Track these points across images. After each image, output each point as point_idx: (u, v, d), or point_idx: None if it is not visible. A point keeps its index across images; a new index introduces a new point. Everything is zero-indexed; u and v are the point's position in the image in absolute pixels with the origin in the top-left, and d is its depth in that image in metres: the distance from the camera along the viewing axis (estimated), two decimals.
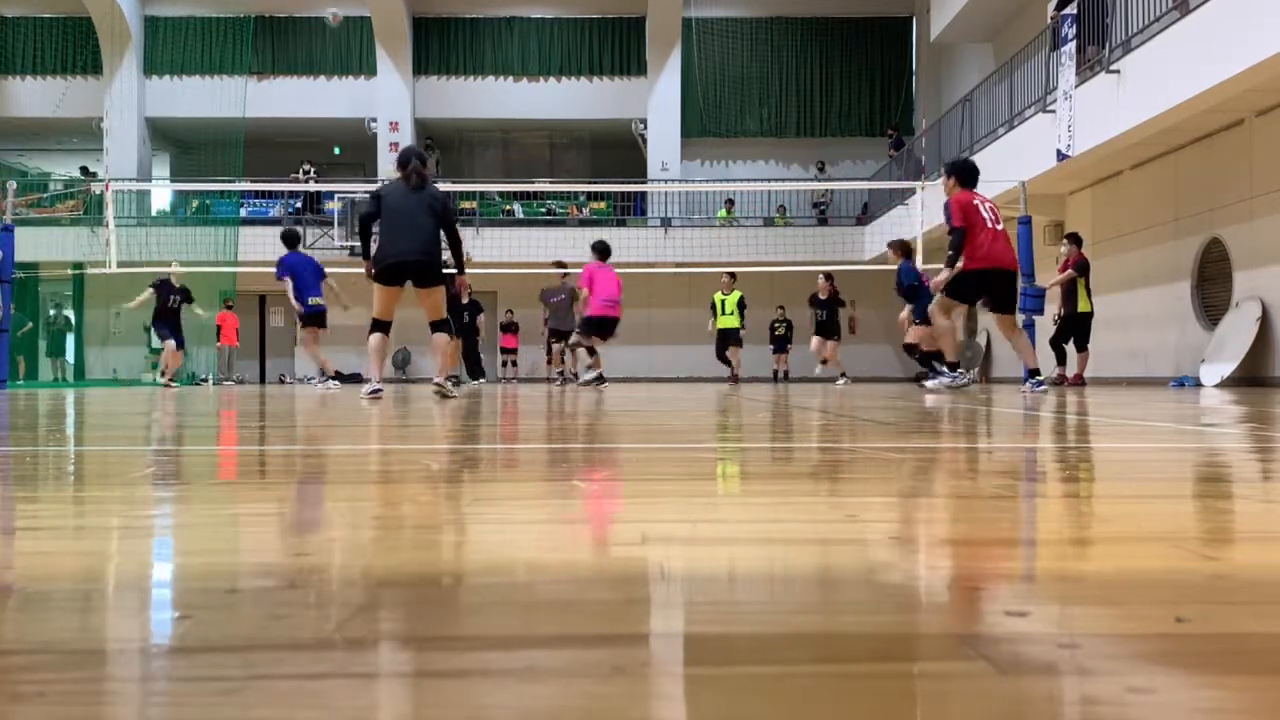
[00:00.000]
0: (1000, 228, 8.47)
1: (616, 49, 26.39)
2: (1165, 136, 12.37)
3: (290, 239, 12.99)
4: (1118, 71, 11.80)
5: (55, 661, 0.75)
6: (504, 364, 22.86)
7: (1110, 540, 1.32)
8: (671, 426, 4.14)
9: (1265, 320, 11.29)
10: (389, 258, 7.34)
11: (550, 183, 23.76)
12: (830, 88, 26.53)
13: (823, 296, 15.44)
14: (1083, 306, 12.67)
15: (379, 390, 7.46)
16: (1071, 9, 12.96)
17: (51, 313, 24.15)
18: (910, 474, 2.17)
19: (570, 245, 20.61)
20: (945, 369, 8.49)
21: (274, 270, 12.98)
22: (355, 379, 23.13)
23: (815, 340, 15.45)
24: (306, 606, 0.92)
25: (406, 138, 25.56)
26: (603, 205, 25.02)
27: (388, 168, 25.18)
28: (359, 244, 22.35)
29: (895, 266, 12.61)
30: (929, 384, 8.73)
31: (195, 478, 2.22)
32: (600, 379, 12.45)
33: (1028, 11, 18.70)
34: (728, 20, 26.29)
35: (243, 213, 24.16)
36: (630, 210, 24.84)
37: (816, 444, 3.14)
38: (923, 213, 15.52)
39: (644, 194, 24.41)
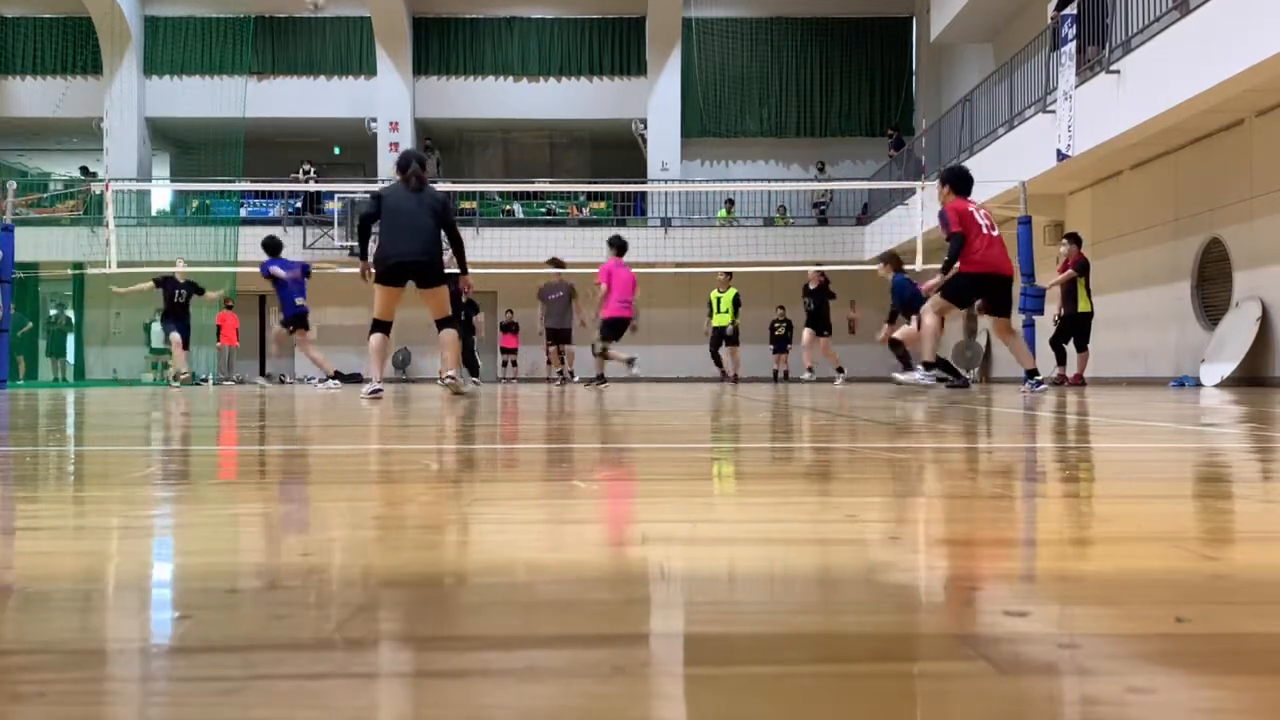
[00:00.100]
0: (996, 234, 8.52)
1: (616, 49, 26.40)
2: (1165, 136, 12.37)
3: (272, 247, 13.05)
4: (1118, 71, 11.80)
5: (55, 661, 0.75)
6: (504, 364, 22.87)
7: (1110, 540, 1.32)
8: (671, 426, 4.14)
9: (1265, 320, 11.29)
10: (391, 258, 7.37)
11: (550, 183, 23.77)
12: (830, 88, 26.53)
13: (811, 286, 15.40)
14: (1083, 306, 12.68)
15: (379, 390, 7.49)
16: (1071, 9, 12.96)
17: (52, 313, 24.16)
18: (910, 474, 2.17)
19: (570, 245, 20.62)
20: (920, 367, 8.53)
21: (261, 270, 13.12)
22: (355, 379, 23.17)
23: (807, 334, 15.41)
24: (306, 606, 0.92)
25: (406, 138, 25.57)
26: (603, 205, 25.03)
27: (388, 168, 25.18)
28: (358, 243, 22.25)
29: (888, 279, 12.49)
30: (901, 376, 8.77)
31: (195, 478, 2.22)
32: (602, 379, 12.44)
33: (1028, 11, 18.70)
34: (728, 20, 26.30)
35: (243, 213, 24.18)
36: (630, 210, 24.84)
37: (816, 444, 3.14)
38: (922, 213, 15.53)
39: (644, 194, 24.42)
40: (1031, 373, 9.05)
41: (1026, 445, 3.13)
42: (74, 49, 25.97)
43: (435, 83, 26.30)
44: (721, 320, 16.52)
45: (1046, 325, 13.38)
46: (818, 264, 16.07)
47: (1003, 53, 19.12)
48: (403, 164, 7.61)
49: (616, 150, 27.00)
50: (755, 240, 22.72)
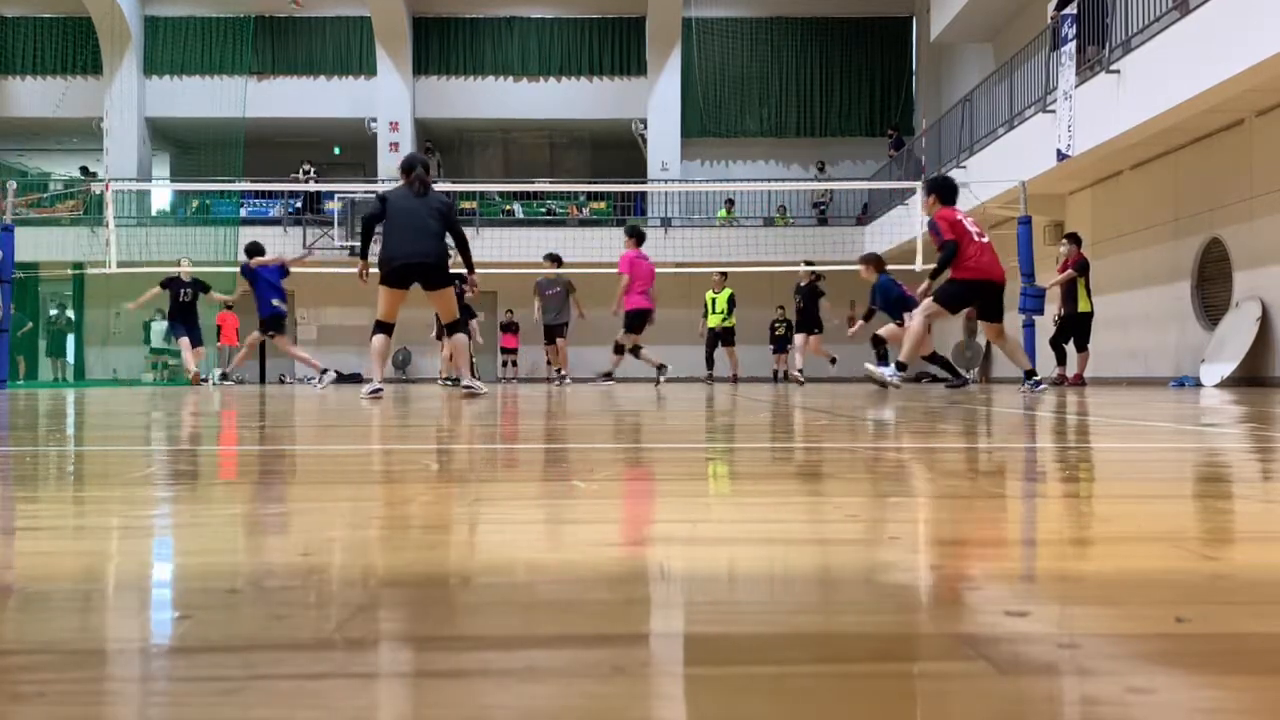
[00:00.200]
0: (986, 240, 8.59)
1: (616, 49, 26.40)
2: (1165, 136, 12.38)
3: (254, 251, 13.32)
4: (1118, 71, 11.80)
5: (55, 661, 0.75)
6: (504, 364, 22.88)
7: (1110, 540, 1.32)
8: (671, 426, 4.14)
9: (1265, 320, 11.29)
10: (396, 260, 7.40)
11: (550, 183, 23.77)
12: (830, 88, 26.53)
13: (802, 284, 15.39)
14: (1083, 306, 12.67)
15: (379, 390, 7.51)
16: (1071, 9, 12.97)
17: (53, 313, 24.16)
18: (910, 474, 2.17)
19: (570, 245, 20.60)
20: (895, 365, 8.57)
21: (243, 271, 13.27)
22: (355, 379, 23.16)
23: (798, 338, 15.41)
24: (306, 606, 0.92)
25: (406, 138, 25.57)
26: (603, 205, 25.02)
27: (388, 168, 25.19)
28: (359, 243, 22.30)
29: (872, 280, 12.42)
30: (872, 367, 8.77)
31: (195, 478, 2.22)
32: (609, 376, 12.41)
33: (1028, 11, 18.70)
34: (728, 20, 26.29)
35: (243, 213, 24.18)
36: (630, 210, 24.83)
37: (816, 444, 3.14)
38: (922, 212, 15.52)
39: (644, 194, 24.41)
40: (1030, 373, 9.06)
41: (1026, 445, 3.13)
42: (74, 49, 25.97)
43: (435, 83, 26.30)
44: (716, 320, 16.49)
45: (1046, 325, 13.38)
46: (808, 262, 16.06)
47: (1003, 53, 19.12)
48: (407, 167, 7.64)
49: (616, 150, 26.99)
50: (755, 240, 22.72)
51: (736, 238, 23.08)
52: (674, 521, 1.50)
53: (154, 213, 25.72)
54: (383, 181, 23.95)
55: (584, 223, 23.81)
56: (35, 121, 26.32)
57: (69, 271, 21.99)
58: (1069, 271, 12.60)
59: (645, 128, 25.77)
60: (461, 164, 27.34)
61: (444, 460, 2.56)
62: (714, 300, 16.58)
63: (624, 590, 1.00)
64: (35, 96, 25.95)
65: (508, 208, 24.94)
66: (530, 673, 0.72)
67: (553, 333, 15.32)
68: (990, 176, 15.00)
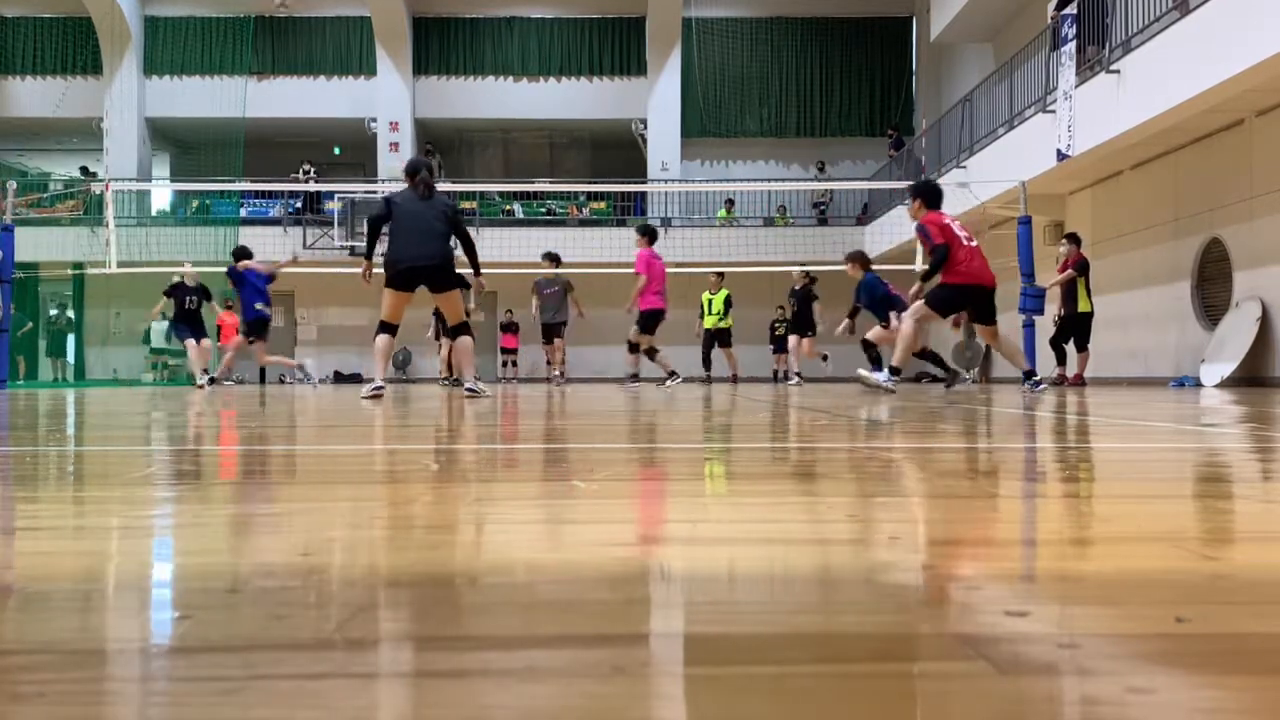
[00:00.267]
0: (975, 244, 8.60)
1: (616, 49, 26.39)
2: (1165, 136, 12.38)
3: (241, 255, 13.46)
4: (1118, 71, 11.80)
5: (55, 661, 0.75)
6: (504, 364, 22.88)
7: (1110, 540, 1.32)
8: (671, 426, 4.14)
9: (1265, 320, 11.29)
10: (402, 263, 7.44)
11: (550, 183, 23.76)
12: (830, 88, 26.53)
13: (796, 287, 15.38)
14: (1083, 306, 12.67)
15: (381, 388, 7.53)
16: (1071, 9, 12.96)
17: (53, 313, 24.15)
18: (910, 474, 2.17)
19: (570, 245, 20.60)
20: (888, 370, 8.53)
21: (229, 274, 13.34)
22: (356, 379, 23.16)
23: (792, 340, 15.41)
24: (307, 606, 0.92)
25: (406, 138, 25.57)
26: (603, 205, 25.02)
27: (388, 168, 25.18)
28: (363, 244, 22.42)
29: (857, 278, 12.39)
30: (865, 373, 8.76)
31: (195, 478, 2.22)
32: (636, 378, 12.36)
33: (1028, 11, 18.70)
34: (728, 20, 26.29)
35: (243, 213, 24.17)
36: (630, 210, 24.83)
37: (815, 444, 3.14)
38: (909, 217, 15.51)
39: (644, 194, 24.41)
40: (1029, 374, 9.05)
41: (1026, 445, 3.13)
42: (74, 49, 25.96)
43: (435, 83, 26.30)
44: (712, 321, 16.48)
45: (1046, 325, 13.38)
46: (801, 264, 16.04)
47: (1003, 53, 19.12)
48: (412, 171, 7.68)
49: (616, 150, 26.99)
50: (755, 240, 22.71)
51: (736, 238, 23.08)
52: (674, 521, 1.50)
53: (154, 213, 25.72)
54: (383, 181, 23.95)
55: (584, 223, 23.81)
56: (35, 121, 26.32)
57: (69, 271, 21.99)
58: (1069, 271, 12.60)
59: (645, 128, 25.77)
60: (461, 164, 27.33)
61: (444, 460, 2.56)
62: (710, 301, 16.56)
63: (624, 590, 1.00)
64: (35, 96, 25.95)
65: (508, 208, 24.94)
66: (530, 673, 0.72)
67: (550, 332, 15.30)
68: (990, 176, 14.99)
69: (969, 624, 0.86)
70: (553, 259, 14.85)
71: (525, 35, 26.38)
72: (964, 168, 17.15)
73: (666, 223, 23.86)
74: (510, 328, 22.65)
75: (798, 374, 15.29)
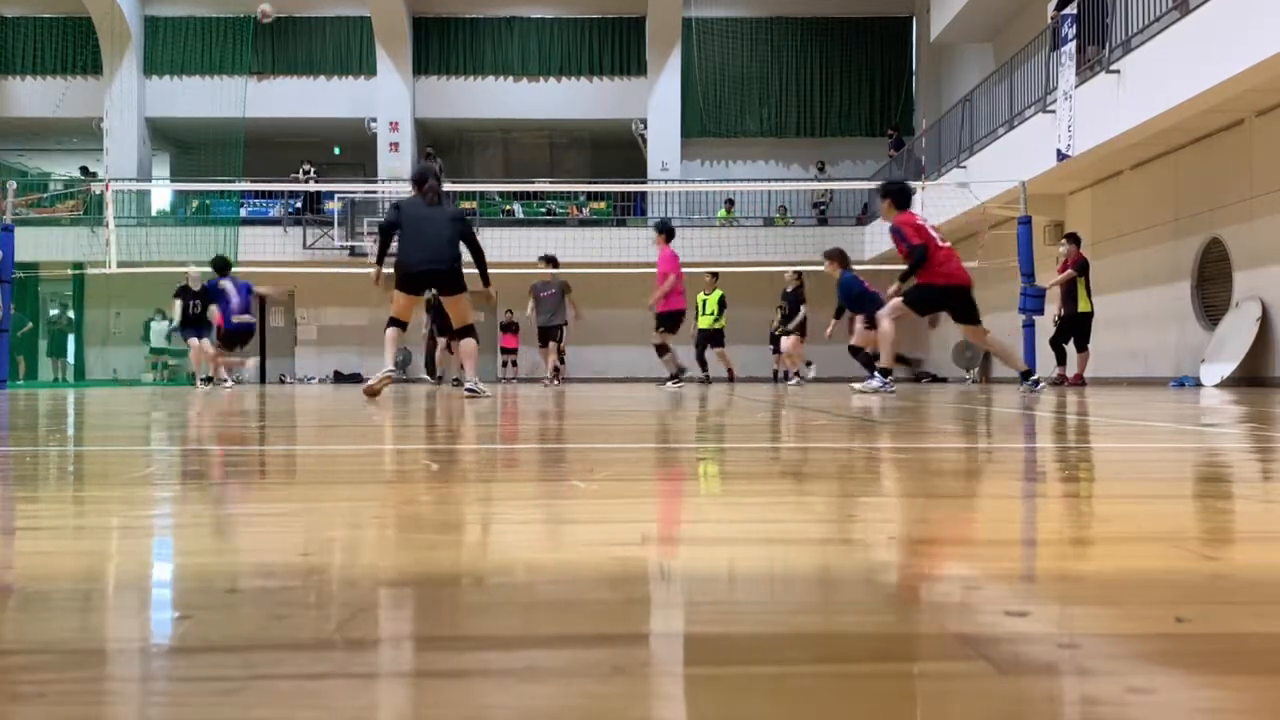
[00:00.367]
0: (948, 244, 8.57)
1: (616, 49, 26.39)
2: (1165, 136, 12.37)
3: (221, 266, 13.44)
4: (1118, 71, 11.80)
5: (55, 661, 0.75)
6: (504, 364, 22.88)
7: (1110, 540, 1.32)
8: (670, 426, 4.14)
9: (1265, 320, 11.29)
10: (413, 267, 7.61)
11: (550, 183, 23.76)
12: (830, 88, 26.53)
13: (789, 289, 15.35)
14: (1083, 306, 12.67)
15: (391, 372, 7.85)
16: (1071, 9, 12.97)
17: (54, 313, 24.15)
18: (910, 474, 2.17)
19: (570, 245, 20.60)
20: (879, 374, 8.51)
21: (215, 283, 13.40)
22: (356, 379, 23.16)
23: (786, 341, 15.39)
24: (306, 606, 0.92)
25: (406, 138, 25.57)
26: (603, 205, 25.02)
27: (388, 168, 25.18)
28: (362, 244, 22.18)
29: (835, 276, 12.38)
30: (857, 386, 8.74)
31: (195, 477, 2.22)
32: (680, 373, 12.25)
33: (1028, 11, 18.70)
34: (728, 20, 26.29)
35: (243, 213, 24.16)
36: (630, 210, 24.83)
37: (815, 444, 3.14)
38: (922, 213, 15.51)
39: (644, 194, 24.41)
40: (1026, 374, 9.01)
41: (1026, 445, 3.13)
42: (74, 49, 25.96)
43: (435, 83, 26.30)
44: (706, 322, 16.47)
45: (1046, 325, 13.38)
46: (798, 264, 16.04)
47: (1003, 53, 19.12)
48: (419, 179, 7.87)
49: (616, 150, 26.99)
50: (755, 240, 22.70)
51: (736, 238, 23.06)
52: (673, 521, 1.50)
53: (154, 213, 25.72)
54: (383, 181, 23.97)
55: (584, 223, 23.80)
56: (35, 121, 26.32)
57: (69, 271, 21.98)
58: (1069, 271, 12.60)
59: (645, 128, 25.77)
60: (461, 164, 27.33)
61: (444, 460, 2.56)
62: (704, 301, 16.56)
63: (624, 590, 1.00)
64: (35, 96, 25.95)
65: (508, 208, 24.94)
66: (530, 673, 0.72)
67: (547, 334, 15.29)
68: (990, 176, 14.99)
69: (969, 624, 0.86)
70: (549, 261, 14.84)
71: (525, 35, 26.38)
72: (964, 168, 17.16)
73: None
74: (510, 328, 22.65)
75: (796, 374, 15.27)
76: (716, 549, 1.23)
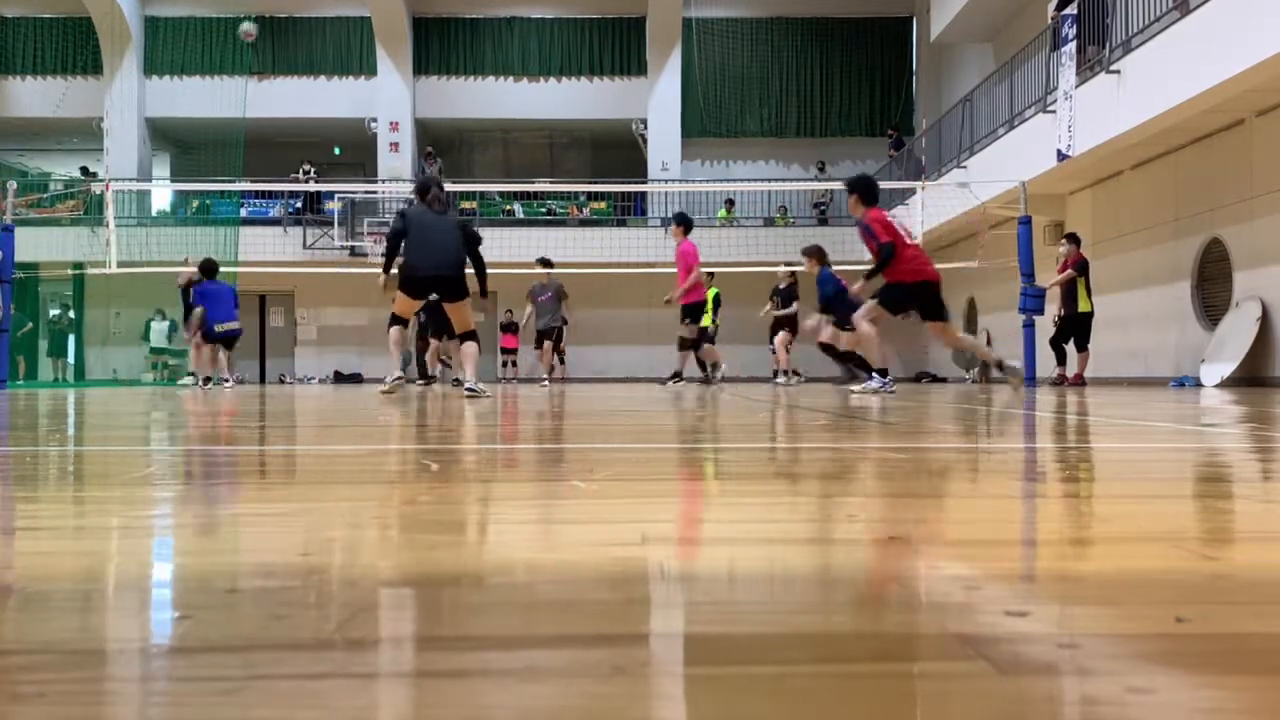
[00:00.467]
0: (917, 240, 8.55)
1: (616, 49, 26.39)
2: (1165, 136, 12.37)
3: (209, 269, 13.30)
4: (1118, 71, 11.80)
5: (55, 661, 0.75)
6: (504, 364, 22.88)
7: (1110, 540, 1.32)
8: (671, 426, 4.14)
9: (1265, 320, 11.29)
10: (419, 272, 7.74)
11: (550, 183, 23.76)
12: (830, 88, 26.53)
13: (781, 286, 15.34)
14: (1083, 306, 12.67)
15: (400, 378, 8.19)
16: (1071, 9, 12.97)
17: (55, 313, 24.14)
18: (910, 474, 2.17)
19: (571, 245, 20.59)
20: (875, 374, 8.48)
21: (193, 292, 13.24)
22: (355, 379, 23.17)
23: (778, 338, 15.38)
24: (306, 606, 0.92)
25: (407, 138, 25.57)
26: (603, 205, 25.02)
27: (388, 168, 25.18)
28: (362, 244, 22.17)
29: (814, 273, 12.37)
30: (855, 388, 8.72)
31: (195, 478, 2.22)
32: (716, 371, 12.22)
33: (1028, 11, 18.70)
34: (728, 20, 26.29)
35: (243, 213, 24.16)
36: (630, 210, 24.83)
37: (815, 444, 3.14)
38: (922, 213, 15.53)
39: (644, 194, 24.40)
40: (999, 364, 8.91)
41: (1026, 445, 3.13)
42: (74, 49, 25.95)
43: (435, 83, 26.29)
44: (703, 320, 16.46)
45: (1046, 325, 13.38)
46: (788, 263, 16.04)
47: (1003, 53, 19.12)
48: (423, 189, 8.02)
49: (616, 150, 26.99)
50: (755, 240, 22.70)
51: (736, 238, 23.06)
52: (673, 521, 1.50)
53: (154, 213, 25.71)
54: (383, 182, 23.98)
55: (584, 223, 23.80)
56: (35, 121, 26.31)
57: (69, 271, 21.98)
58: (1069, 271, 12.60)
59: (645, 128, 25.76)
60: (461, 164, 27.32)
61: (444, 460, 2.56)
62: None
63: (624, 590, 1.00)
64: (35, 96, 25.94)
65: (508, 208, 24.94)
66: (530, 673, 0.72)
67: (544, 336, 15.28)
68: (990, 176, 14.99)
69: (969, 624, 0.86)
70: (545, 263, 14.85)
71: (525, 35, 26.37)
72: (964, 168, 17.15)
73: (667, 223, 23.81)
74: (510, 328, 22.66)
75: (789, 372, 15.26)
76: (716, 549, 1.23)
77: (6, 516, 1.59)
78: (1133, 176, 14.24)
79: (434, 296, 8.08)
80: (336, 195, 22.62)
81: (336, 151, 27.63)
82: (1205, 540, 1.30)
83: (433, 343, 13.71)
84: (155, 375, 21.95)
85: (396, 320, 8.13)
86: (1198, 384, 11.70)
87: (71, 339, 23.89)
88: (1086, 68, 12.75)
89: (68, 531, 1.44)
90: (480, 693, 0.67)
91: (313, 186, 22.43)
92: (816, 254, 12.34)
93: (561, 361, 19.79)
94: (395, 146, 25.44)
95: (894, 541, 1.29)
